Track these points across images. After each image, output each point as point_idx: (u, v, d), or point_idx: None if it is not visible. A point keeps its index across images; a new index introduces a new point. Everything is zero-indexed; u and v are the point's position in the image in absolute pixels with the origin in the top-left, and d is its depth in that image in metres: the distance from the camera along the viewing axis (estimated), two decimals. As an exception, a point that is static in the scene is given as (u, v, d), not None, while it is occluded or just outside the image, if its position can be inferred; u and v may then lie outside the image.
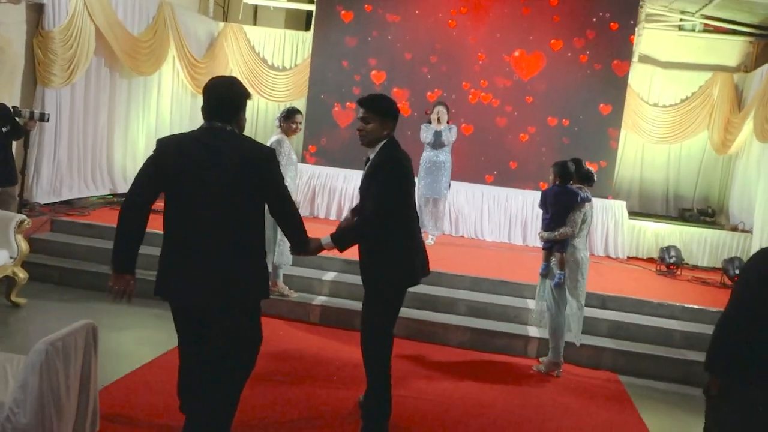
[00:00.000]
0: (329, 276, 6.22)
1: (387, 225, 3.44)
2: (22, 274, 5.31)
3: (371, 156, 3.60)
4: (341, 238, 3.52)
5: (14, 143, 6.08)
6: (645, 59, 10.07)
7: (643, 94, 10.01)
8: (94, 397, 3.01)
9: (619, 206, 8.85)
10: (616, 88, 9.15)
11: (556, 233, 4.98)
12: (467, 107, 9.27)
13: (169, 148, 2.96)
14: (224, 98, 2.98)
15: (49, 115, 6.37)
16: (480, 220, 8.88)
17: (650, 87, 10.05)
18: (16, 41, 6.70)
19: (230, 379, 3.05)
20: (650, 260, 8.57)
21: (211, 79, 3.08)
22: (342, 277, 6.22)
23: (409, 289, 3.73)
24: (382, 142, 3.56)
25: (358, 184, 3.76)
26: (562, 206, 4.96)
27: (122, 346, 4.83)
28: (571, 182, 5.06)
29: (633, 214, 9.24)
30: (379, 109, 3.56)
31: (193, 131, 3.03)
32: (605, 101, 9.14)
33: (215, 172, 2.87)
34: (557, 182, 5.03)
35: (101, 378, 3.97)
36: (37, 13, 6.81)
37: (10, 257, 5.20)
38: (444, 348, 5.55)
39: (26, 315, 5.27)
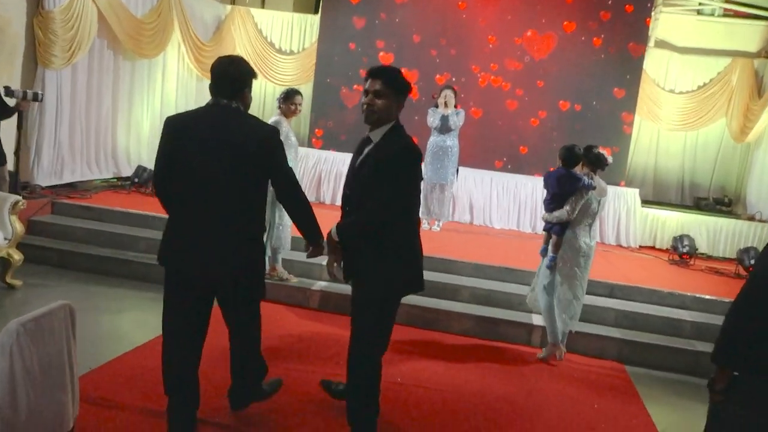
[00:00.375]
0: (330, 261, 6.10)
1: (394, 217, 3.11)
2: (17, 256, 5.25)
3: (374, 138, 3.16)
4: (345, 229, 3.15)
5: (6, 125, 5.97)
6: (661, 44, 9.79)
7: (659, 79, 9.75)
8: (74, 380, 2.93)
9: (632, 194, 8.63)
10: (630, 72, 8.90)
11: (552, 215, 4.85)
12: (477, 91, 9.07)
13: (171, 128, 3.05)
14: (230, 75, 3.03)
15: (42, 94, 6.26)
16: (488, 206, 8.70)
17: (666, 73, 9.78)
18: (16, 21, 6.62)
19: (248, 310, 3.33)
20: (664, 250, 8.36)
21: (218, 57, 3.14)
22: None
23: None
24: (390, 125, 3.15)
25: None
26: (563, 190, 4.80)
27: (118, 329, 4.78)
28: (582, 167, 4.89)
29: (646, 202, 9.02)
30: (394, 83, 3.15)
31: (199, 108, 3.15)
32: (619, 85, 8.91)
33: (217, 150, 2.94)
34: (561, 166, 4.88)
35: (93, 360, 3.94)
36: (37, -7, 6.73)
37: (5, 238, 5.15)
38: (446, 335, 5.43)
39: (22, 297, 5.22)
